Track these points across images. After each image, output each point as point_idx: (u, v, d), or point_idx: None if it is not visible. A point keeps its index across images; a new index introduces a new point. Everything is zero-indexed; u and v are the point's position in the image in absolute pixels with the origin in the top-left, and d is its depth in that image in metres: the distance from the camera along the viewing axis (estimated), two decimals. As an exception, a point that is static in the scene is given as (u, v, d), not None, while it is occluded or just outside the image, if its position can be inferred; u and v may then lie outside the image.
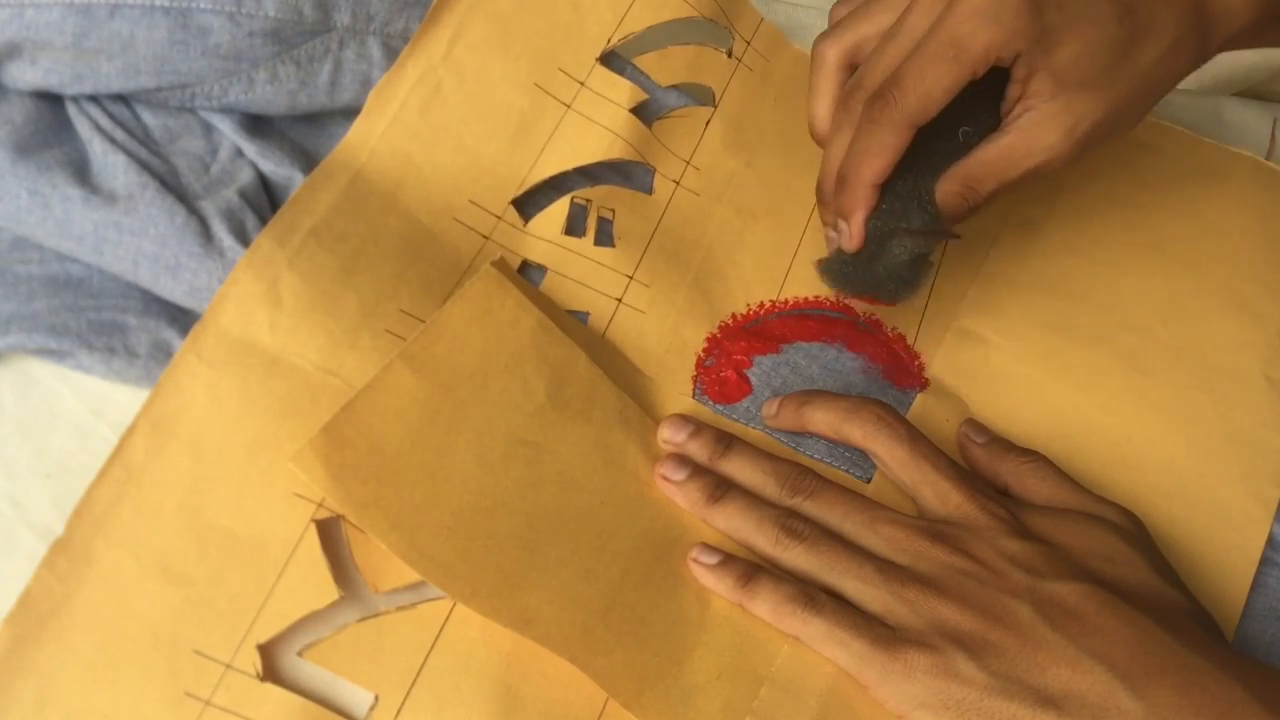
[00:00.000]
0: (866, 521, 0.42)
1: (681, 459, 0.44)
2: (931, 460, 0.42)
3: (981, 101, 0.44)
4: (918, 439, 0.43)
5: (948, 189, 0.44)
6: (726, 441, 0.44)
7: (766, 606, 0.41)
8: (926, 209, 0.44)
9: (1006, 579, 0.40)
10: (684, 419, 0.45)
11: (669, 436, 0.45)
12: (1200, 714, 0.37)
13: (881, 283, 0.46)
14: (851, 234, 0.44)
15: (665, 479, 0.44)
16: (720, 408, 0.47)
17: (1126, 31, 0.41)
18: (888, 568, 0.41)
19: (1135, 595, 0.40)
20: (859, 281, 0.46)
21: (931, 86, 0.41)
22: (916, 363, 0.50)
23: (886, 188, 0.44)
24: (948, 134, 0.44)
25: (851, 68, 0.45)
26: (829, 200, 0.45)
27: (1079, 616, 0.39)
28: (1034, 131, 0.43)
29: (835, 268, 0.46)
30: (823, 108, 0.46)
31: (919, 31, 0.42)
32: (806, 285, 0.51)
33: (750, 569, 0.42)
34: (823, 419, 0.45)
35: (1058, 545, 0.41)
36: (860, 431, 0.44)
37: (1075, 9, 0.41)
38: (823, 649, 0.40)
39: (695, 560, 0.42)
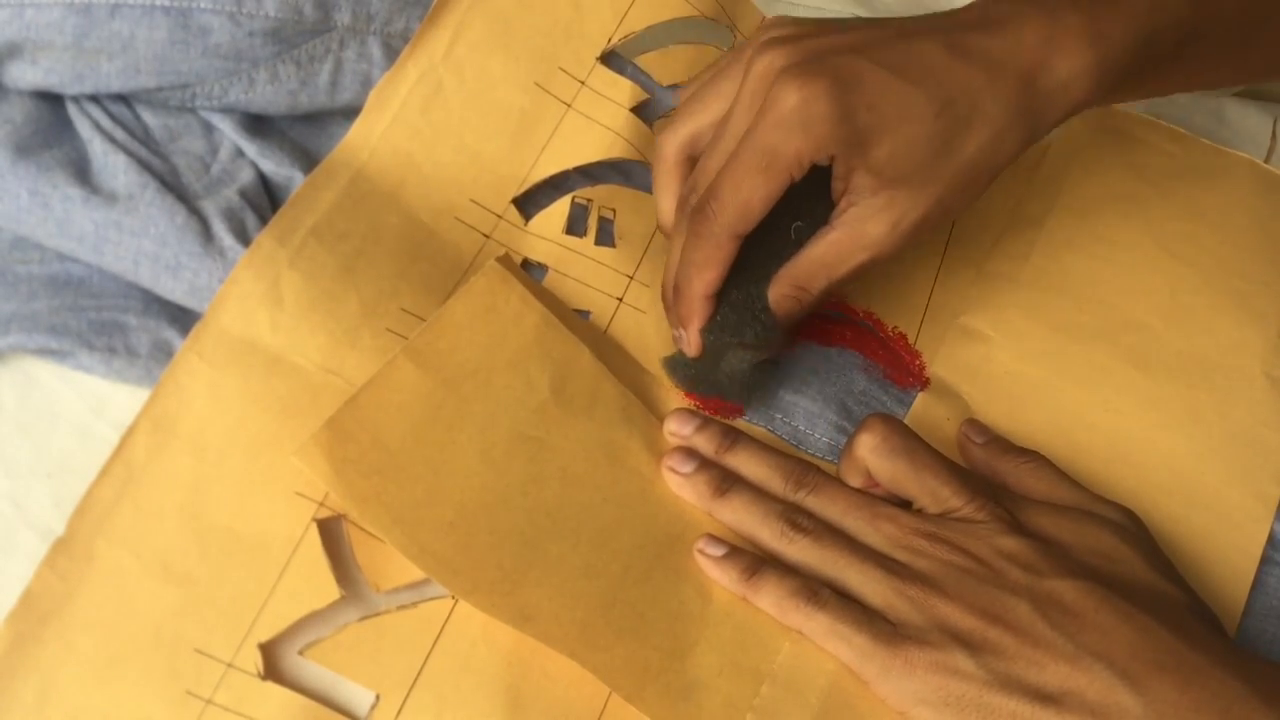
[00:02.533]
0: (867, 518, 0.42)
1: (689, 452, 0.44)
2: (932, 469, 0.42)
3: (814, 192, 0.43)
4: (916, 450, 0.42)
5: (779, 291, 0.44)
6: (732, 436, 0.45)
7: (770, 600, 0.41)
8: (760, 317, 0.44)
9: (1005, 577, 0.40)
10: (691, 413, 0.46)
11: (675, 429, 0.45)
12: (1200, 710, 0.37)
13: (725, 389, 0.46)
14: (690, 342, 0.44)
15: (673, 471, 0.44)
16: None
17: (945, 126, 0.41)
18: (889, 564, 0.41)
19: (1134, 592, 0.40)
20: (704, 383, 0.46)
21: (748, 197, 0.41)
22: (917, 362, 0.50)
23: (721, 295, 0.44)
24: (780, 231, 0.44)
25: (691, 160, 0.45)
26: (670, 305, 0.45)
27: (1078, 614, 0.39)
28: (859, 227, 0.43)
29: (679, 368, 0.46)
30: (666, 204, 0.46)
31: (738, 134, 0.41)
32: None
33: (755, 562, 0.42)
34: (844, 467, 0.44)
35: (1056, 543, 0.41)
36: (864, 450, 0.43)
37: (888, 108, 0.40)
38: (825, 643, 0.40)
39: (701, 551, 0.42)
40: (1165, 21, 0.43)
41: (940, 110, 0.41)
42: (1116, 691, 0.37)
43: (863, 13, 0.61)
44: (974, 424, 0.47)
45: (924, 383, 0.49)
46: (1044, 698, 0.38)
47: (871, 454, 0.42)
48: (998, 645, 0.39)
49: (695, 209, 0.42)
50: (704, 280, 0.43)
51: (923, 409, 0.48)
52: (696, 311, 0.44)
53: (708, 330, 0.44)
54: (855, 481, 0.43)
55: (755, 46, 0.42)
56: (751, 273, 0.44)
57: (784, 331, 0.45)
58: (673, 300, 0.44)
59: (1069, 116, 0.43)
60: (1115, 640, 0.38)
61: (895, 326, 0.51)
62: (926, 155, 0.41)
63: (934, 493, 0.42)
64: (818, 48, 0.41)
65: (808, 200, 0.44)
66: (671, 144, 0.45)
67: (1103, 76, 0.42)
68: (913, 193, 0.42)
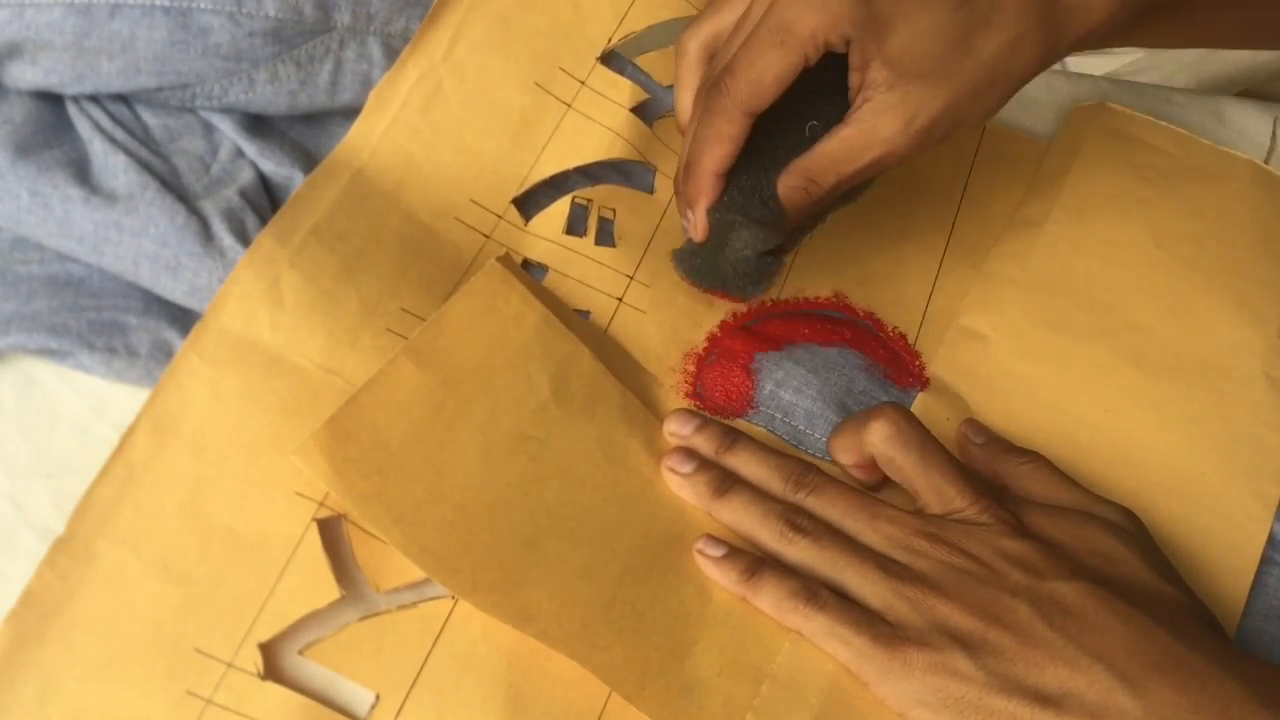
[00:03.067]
0: (867, 519, 0.42)
1: (689, 452, 0.44)
2: (940, 467, 0.42)
3: (830, 96, 0.43)
4: (928, 446, 0.42)
5: (788, 183, 0.44)
6: (732, 436, 0.45)
7: (770, 601, 0.41)
8: (768, 203, 0.44)
9: (1005, 578, 0.40)
10: (690, 413, 0.46)
11: (675, 429, 0.45)
12: (1199, 712, 0.37)
13: (728, 278, 0.46)
14: (696, 223, 0.44)
15: (673, 471, 0.44)
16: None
17: (962, 20, 0.41)
18: (888, 564, 0.41)
19: (1134, 593, 0.40)
20: (706, 273, 0.46)
21: (761, 73, 0.41)
22: (917, 362, 0.50)
23: (730, 180, 0.43)
24: (796, 128, 0.44)
25: (711, 55, 0.45)
26: (680, 189, 0.45)
27: (1077, 615, 0.39)
28: (872, 123, 0.42)
29: (685, 258, 0.46)
30: (684, 99, 0.46)
31: (758, 15, 0.41)
32: (807, 285, 0.51)
33: (755, 562, 0.42)
34: (841, 442, 0.44)
35: (1056, 544, 0.41)
36: (876, 437, 0.43)
37: None
38: (824, 645, 0.40)
39: (701, 552, 0.42)
40: None
41: (958, 4, 0.40)
42: (1115, 694, 0.37)
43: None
44: (974, 424, 0.47)
45: (924, 383, 0.49)
46: (1043, 699, 0.38)
47: (885, 443, 0.42)
48: (997, 646, 0.39)
49: (710, 85, 0.42)
50: (714, 156, 0.42)
51: (922, 409, 0.48)
52: (705, 189, 0.43)
53: (714, 210, 0.44)
54: (846, 459, 0.43)
55: None
56: (762, 160, 0.43)
57: (791, 222, 0.44)
58: (682, 181, 0.44)
59: (1088, 39, 0.43)
60: (1114, 642, 0.38)
61: (895, 326, 0.51)
62: (943, 49, 0.41)
63: (940, 491, 0.42)
64: None
65: (825, 102, 0.43)
66: (694, 40, 0.45)
67: (1122, 6, 0.42)
68: (927, 89, 0.41)
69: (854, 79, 0.42)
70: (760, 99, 0.41)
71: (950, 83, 0.42)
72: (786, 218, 0.44)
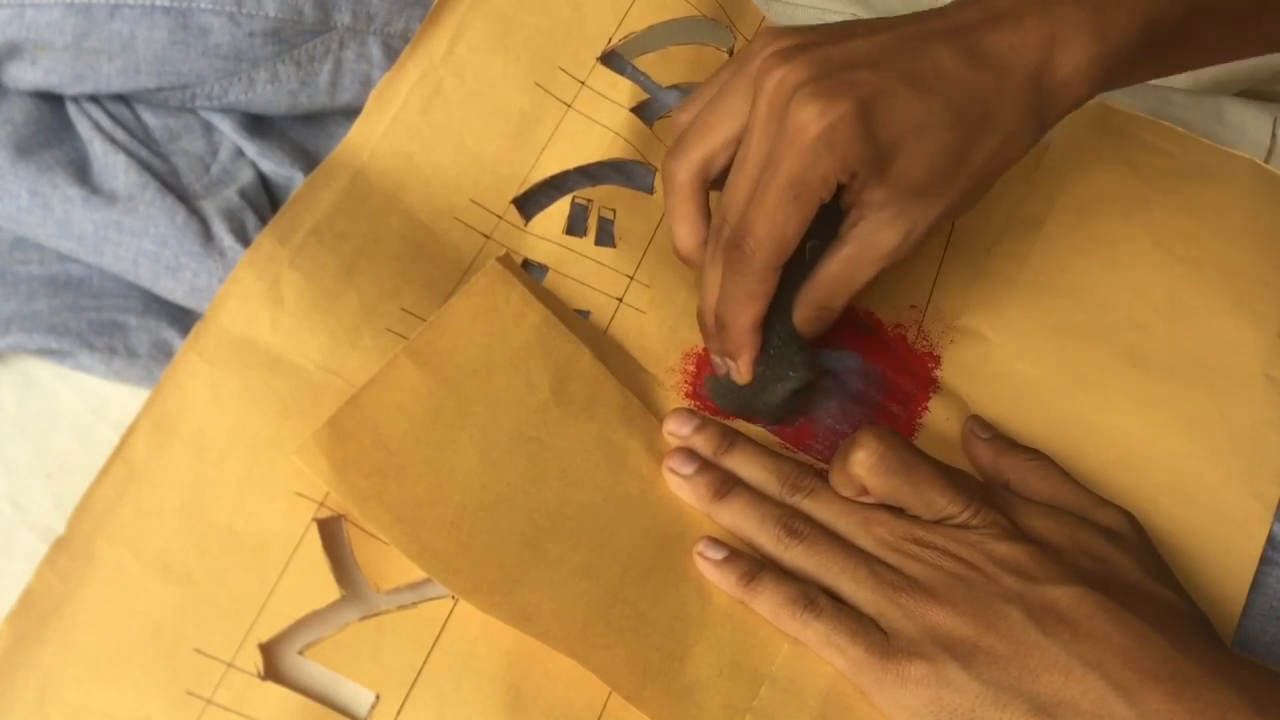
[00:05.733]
0: (860, 522, 0.42)
1: (689, 453, 0.44)
2: (929, 481, 0.41)
3: (820, 210, 0.43)
4: (912, 464, 0.42)
5: (804, 315, 0.44)
6: (731, 438, 0.45)
7: (768, 607, 0.41)
8: (804, 353, 0.45)
9: (998, 583, 0.40)
10: (690, 413, 0.46)
11: (674, 429, 0.45)
12: None
13: (763, 411, 0.46)
14: (742, 373, 0.45)
15: (673, 472, 0.44)
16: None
17: (959, 135, 0.41)
18: (881, 570, 0.41)
19: (1129, 598, 0.40)
20: (743, 407, 0.46)
21: (783, 230, 0.40)
22: (927, 365, 0.50)
23: (764, 327, 0.44)
24: (797, 254, 0.43)
25: (705, 182, 0.44)
26: (712, 335, 0.45)
27: (1071, 621, 0.39)
28: (871, 239, 0.43)
29: (723, 393, 0.46)
30: (684, 231, 0.45)
31: (761, 158, 0.41)
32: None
33: (754, 566, 0.42)
34: (836, 478, 0.44)
35: (1050, 547, 0.41)
36: (860, 469, 0.42)
37: (906, 123, 0.40)
38: (820, 652, 0.41)
39: (700, 554, 0.43)
40: (1167, 10, 0.43)
41: (954, 121, 0.40)
42: (1110, 702, 0.37)
43: (862, 12, 0.61)
44: (979, 420, 0.47)
45: (932, 385, 0.49)
46: (1038, 708, 0.38)
47: (868, 472, 0.41)
48: (990, 654, 0.39)
49: (730, 245, 0.42)
50: (750, 314, 0.43)
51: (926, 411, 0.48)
52: (746, 344, 0.44)
53: (759, 361, 0.44)
54: (848, 493, 0.43)
55: (760, 60, 0.41)
56: (783, 297, 0.44)
57: (820, 363, 0.46)
58: (716, 332, 0.44)
59: (1073, 110, 0.43)
60: (1109, 648, 0.38)
61: (896, 326, 0.51)
62: (943, 166, 0.41)
63: (930, 503, 0.41)
64: (829, 60, 0.40)
65: (815, 219, 0.43)
66: (684, 170, 0.44)
67: (1106, 69, 0.42)
68: (925, 201, 0.42)
69: (847, 198, 0.42)
70: (785, 253, 0.41)
71: (947, 192, 0.42)
72: (813, 353, 0.45)
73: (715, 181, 0.44)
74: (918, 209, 0.42)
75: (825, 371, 0.48)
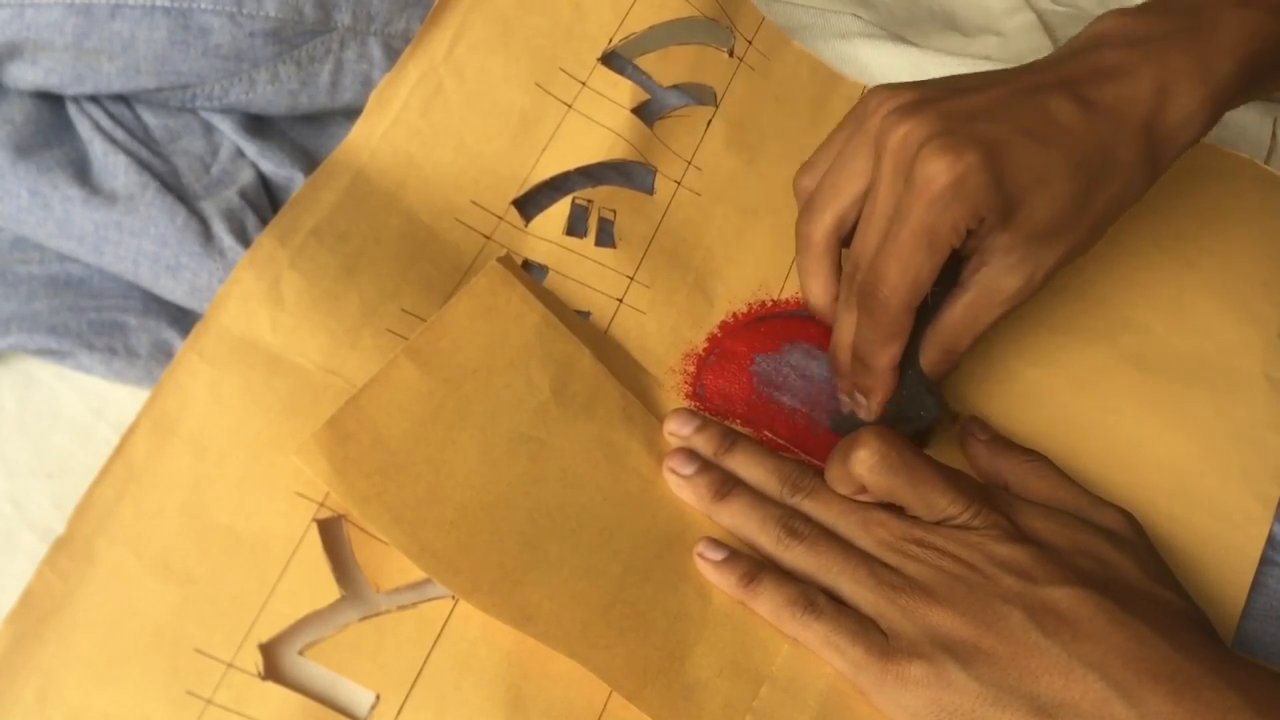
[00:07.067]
0: (859, 522, 0.42)
1: (689, 454, 0.44)
2: (930, 481, 0.42)
3: None
4: (913, 465, 0.42)
5: (931, 358, 0.45)
6: (731, 438, 0.45)
7: (768, 607, 0.41)
8: (934, 391, 0.45)
9: (998, 584, 0.40)
10: (690, 413, 0.46)
11: (675, 429, 0.45)
12: None
13: None
14: (872, 410, 0.46)
15: (674, 472, 0.44)
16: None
17: (1081, 184, 0.42)
18: (881, 571, 0.41)
19: (1129, 599, 0.40)
20: None
21: (916, 275, 0.41)
22: None
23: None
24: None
25: (839, 241, 0.45)
26: (845, 374, 0.46)
27: (1072, 622, 0.39)
28: (994, 284, 0.43)
29: (849, 428, 0.46)
30: (818, 288, 0.47)
31: (889, 210, 0.42)
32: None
33: (754, 567, 0.42)
34: (833, 475, 0.44)
35: (1051, 548, 0.41)
36: (861, 468, 0.42)
37: (1029, 173, 0.41)
38: (820, 653, 0.41)
39: (701, 555, 0.43)
40: (1265, 43, 0.44)
41: (1075, 170, 0.41)
42: (1110, 703, 0.37)
43: (862, 12, 0.61)
44: (978, 421, 0.48)
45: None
46: (1038, 709, 0.38)
47: (869, 471, 0.42)
48: (990, 655, 0.39)
49: (866, 292, 0.43)
50: (890, 355, 0.44)
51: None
52: (884, 384, 0.45)
53: (890, 401, 0.45)
54: (845, 490, 0.43)
55: (880, 118, 0.42)
56: (909, 343, 0.45)
57: (947, 407, 0.46)
58: (851, 371, 0.45)
59: (1186, 150, 0.44)
60: (1109, 649, 0.38)
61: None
62: (1065, 213, 0.42)
63: (930, 504, 0.42)
64: (949, 114, 0.41)
65: None
66: (819, 230, 0.45)
67: (1215, 108, 0.43)
68: (1047, 247, 0.43)
69: (970, 243, 0.43)
70: (919, 296, 0.42)
71: (1067, 237, 0.43)
72: (944, 403, 0.46)
73: (846, 239, 0.45)
74: (1039, 254, 0.43)
75: (953, 414, 0.48)
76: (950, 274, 0.44)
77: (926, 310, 0.44)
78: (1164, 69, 0.42)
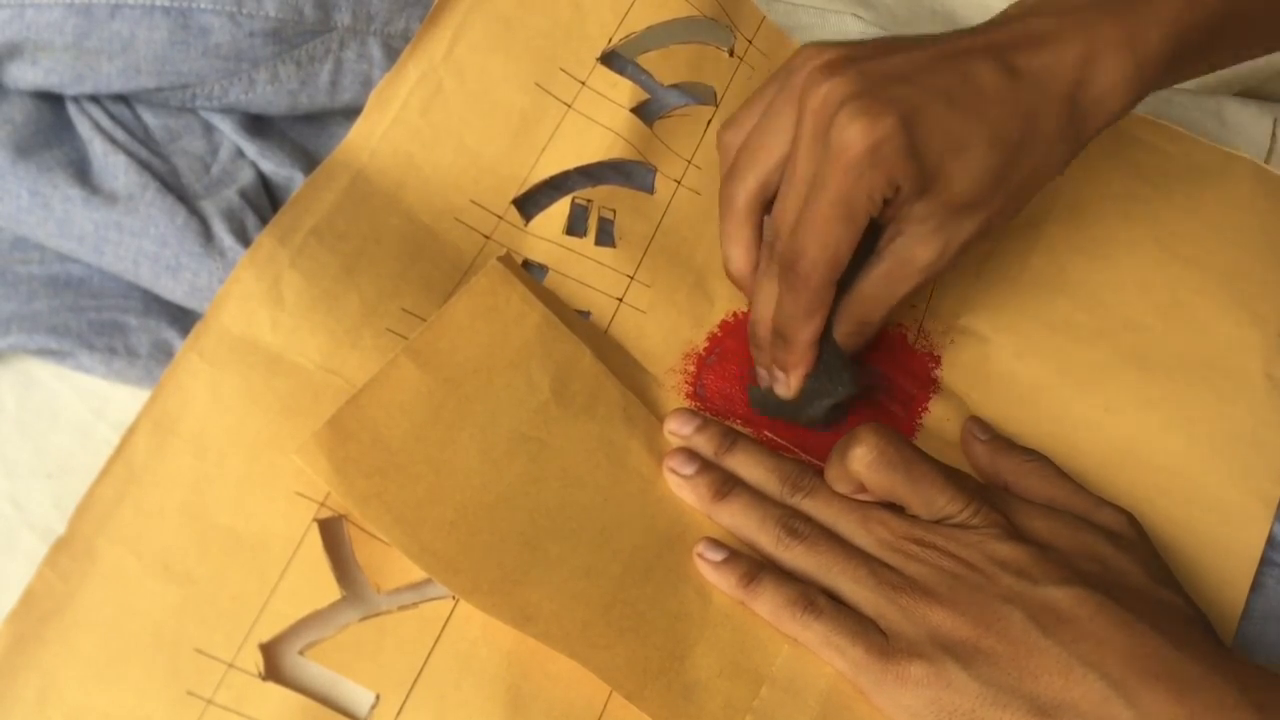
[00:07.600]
0: (859, 521, 0.42)
1: (690, 453, 0.44)
2: (929, 479, 0.42)
3: None
4: (912, 461, 0.42)
5: (844, 330, 0.45)
6: (731, 438, 0.45)
7: (768, 608, 0.41)
8: (849, 366, 0.45)
9: (998, 583, 0.40)
10: (690, 413, 0.46)
11: (675, 429, 0.45)
12: None
13: (803, 423, 0.47)
14: (790, 386, 0.45)
15: (674, 472, 0.44)
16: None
17: (1000, 156, 0.41)
18: (881, 571, 0.41)
19: (1129, 599, 0.40)
20: (784, 415, 0.47)
21: (835, 249, 0.41)
22: (927, 365, 0.50)
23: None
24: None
25: (761, 205, 0.45)
26: (765, 348, 0.46)
27: (1072, 622, 0.39)
28: (908, 254, 0.43)
29: (769, 405, 0.47)
30: (738, 254, 0.46)
31: (808, 175, 0.41)
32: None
33: (754, 567, 0.42)
34: (832, 473, 0.44)
35: (1050, 548, 0.41)
36: (859, 465, 0.42)
37: (947, 141, 0.40)
38: (820, 653, 0.41)
39: (700, 555, 0.43)
40: (1198, 16, 0.43)
41: (995, 139, 0.41)
42: (1111, 703, 0.37)
43: (862, 12, 0.61)
44: (978, 421, 0.47)
45: (932, 385, 0.49)
46: (1038, 709, 0.38)
47: (867, 469, 0.41)
48: (991, 655, 0.38)
49: (786, 265, 0.42)
50: (810, 329, 0.43)
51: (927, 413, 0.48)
52: (804, 359, 0.44)
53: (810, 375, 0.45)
54: (843, 489, 0.43)
55: (804, 74, 0.41)
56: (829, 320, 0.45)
57: (862, 378, 0.46)
58: (771, 345, 0.45)
59: (1109, 124, 0.44)
60: (1110, 649, 0.38)
61: (896, 327, 0.51)
62: (984, 185, 0.42)
63: (930, 502, 0.42)
64: (871, 74, 0.40)
65: None
66: (741, 195, 0.44)
67: (1141, 82, 0.43)
68: (962, 217, 0.42)
69: (886, 212, 0.42)
70: (839, 270, 0.42)
71: (984, 208, 0.43)
72: (856, 367, 0.46)
73: (770, 201, 0.45)
74: (955, 224, 0.42)
75: (868, 386, 0.48)
76: (869, 242, 0.43)
77: (844, 280, 0.44)
78: (1092, 38, 0.42)
